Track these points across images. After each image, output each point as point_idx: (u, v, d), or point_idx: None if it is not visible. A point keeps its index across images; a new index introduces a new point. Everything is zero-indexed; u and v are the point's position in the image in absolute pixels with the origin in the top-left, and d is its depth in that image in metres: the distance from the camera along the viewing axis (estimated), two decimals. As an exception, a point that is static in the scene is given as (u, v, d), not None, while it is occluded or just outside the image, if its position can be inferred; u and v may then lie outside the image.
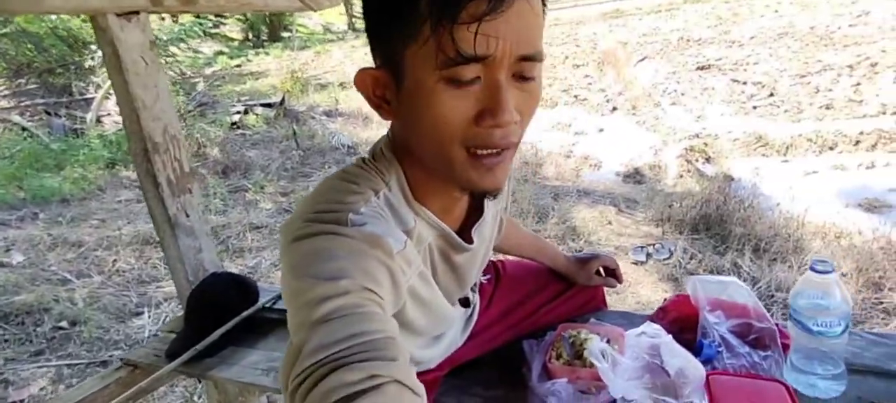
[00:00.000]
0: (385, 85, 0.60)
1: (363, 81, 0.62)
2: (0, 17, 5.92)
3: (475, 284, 1.06)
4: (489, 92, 0.54)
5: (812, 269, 0.88)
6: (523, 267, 1.22)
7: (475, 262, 0.84)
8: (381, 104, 0.62)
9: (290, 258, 0.57)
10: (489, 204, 0.82)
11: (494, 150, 0.57)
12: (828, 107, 5.38)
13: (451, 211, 0.74)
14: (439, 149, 0.58)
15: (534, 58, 0.55)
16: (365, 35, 0.63)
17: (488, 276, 1.16)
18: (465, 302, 0.99)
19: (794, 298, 0.92)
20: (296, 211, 0.63)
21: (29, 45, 6.88)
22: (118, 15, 1.38)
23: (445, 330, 0.92)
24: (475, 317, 1.06)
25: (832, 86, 5.79)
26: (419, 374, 0.92)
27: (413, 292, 0.70)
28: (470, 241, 0.77)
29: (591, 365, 0.93)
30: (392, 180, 0.67)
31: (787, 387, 0.89)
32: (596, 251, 1.24)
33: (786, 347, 0.98)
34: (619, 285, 1.27)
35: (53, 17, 6.54)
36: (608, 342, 1.00)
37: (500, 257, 1.21)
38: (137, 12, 1.43)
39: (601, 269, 1.24)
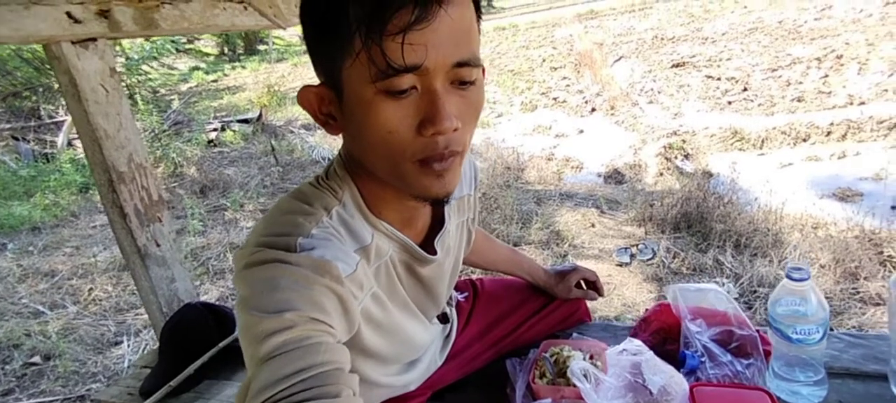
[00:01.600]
0: (329, 101, 0.60)
1: (307, 99, 0.62)
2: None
3: (451, 299, 1.05)
4: (427, 100, 0.55)
5: (788, 277, 0.88)
6: (502, 284, 1.20)
7: (443, 275, 0.83)
8: (327, 120, 0.62)
9: (240, 288, 0.56)
10: (451, 215, 0.81)
11: (439, 157, 0.57)
12: (799, 100, 5.50)
13: (411, 223, 0.73)
14: (389, 162, 0.59)
15: (469, 63, 0.55)
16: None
17: (466, 294, 1.14)
18: (442, 319, 0.97)
19: (772, 305, 0.92)
20: (250, 234, 0.62)
21: (-7, 70, 6.70)
22: (73, 42, 1.34)
23: (419, 355, 0.90)
24: (454, 336, 1.04)
25: (802, 79, 5.92)
26: (399, 400, 0.90)
27: (368, 315, 0.68)
28: (433, 253, 0.76)
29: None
30: (346, 196, 0.66)
31: (770, 395, 0.88)
32: (575, 264, 1.22)
33: (768, 353, 0.98)
34: (600, 297, 1.25)
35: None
36: (591, 358, 0.98)
37: (478, 274, 1.19)
38: (95, 39, 1.39)
39: (582, 282, 1.22)
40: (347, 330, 0.60)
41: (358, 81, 0.54)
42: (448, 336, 1.02)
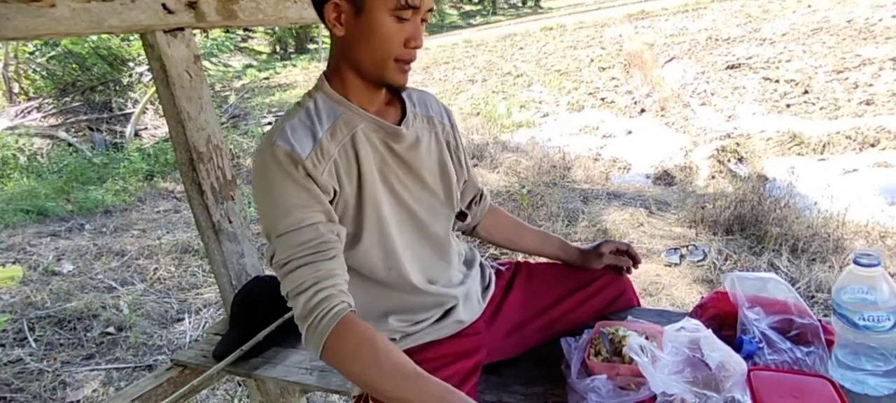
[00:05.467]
0: (346, 12, 0.85)
1: (329, 9, 0.85)
2: (61, 39, 6.23)
3: (484, 262, 1.15)
4: (414, 27, 0.86)
5: (856, 263, 0.87)
6: (545, 269, 1.25)
7: (419, 158, 0.99)
8: (335, 24, 0.86)
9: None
10: (416, 117, 1.01)
11: (410, 61, 0.89)
12: (868, 103, 5.21)
13: (371, 104, 0.94)
14: (381, 60, 0.87)
15: (432, 9, 0.88)
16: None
17: (506, 266, 1.22)
18: (468, 265, 1.11)
19: (837, 293, 0.91)
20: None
21: (74, 65, 7.23)
22: (165, 31, 1.46)
23: (431, 266, 1.02)
24: (492, 287, 1.13)
25: (873, 81, 5.60)
26: (459, 356, 1.00)
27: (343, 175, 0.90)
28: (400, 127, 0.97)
29: (631, 361, 0.94)
30: (318, 94, 0.93)
31: (833, 383, 0.87)
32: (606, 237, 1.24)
33: (830, 343, 0.96)
34: (636, 267, 1.25)
35: (94, 37, 6.87)
36: (647, 338, 1.00)
37: (520, 258, 1.25)
38: (182, 29, 1.51)
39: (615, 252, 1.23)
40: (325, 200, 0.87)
41: (379, 8, 0.82)
42: (487, 287, 1.13)
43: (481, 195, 1.19)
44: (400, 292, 0.98)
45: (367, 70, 0.89)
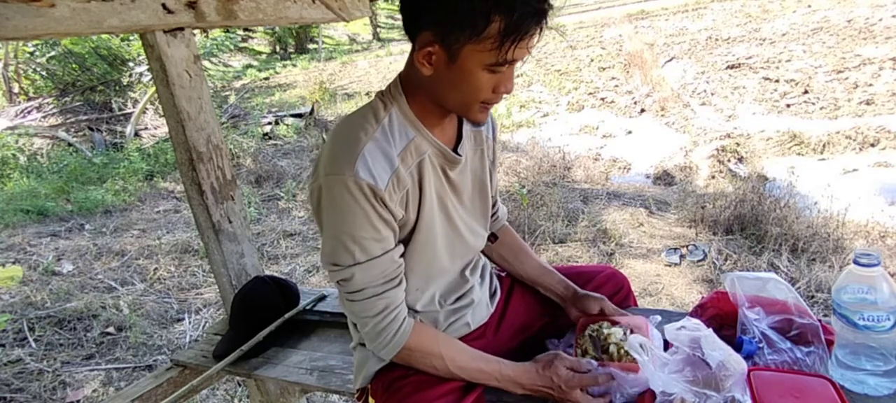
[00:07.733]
0: (438, 56, 0.83)
1: (424, 52, 0.83)
2: (61, 39, 6.23)
3: (492, 271, 1.18)
4: (507, 76, 0.85)
5: (856, 263, 0.87)
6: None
7: (466, 181, 1.03)
8: (423, 64, 0.84)
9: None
10: (467, 136, 1.03)
11: (494, 104, 0.90)
12: (868, 103, 5.21)
13: (443, 131, 0.97)
14: (466, 103, 0.87)
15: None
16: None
17: (505, 274, 1.23)
18: (482, 274, 1.13)
19: (837, 293, 0.91)
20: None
21: (74, 65, 7.23)
22: (165, 31, 1.46)
23: (462, 257, 1.05)
24: (499, 293, 1.15)
25: (873, 81, 5.59)
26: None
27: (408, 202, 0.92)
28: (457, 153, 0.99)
29: (620, 358, 0.95)
30: (394, 107, 0.91)
31: (832, 383, 0.87)
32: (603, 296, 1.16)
33: (830, 343, 0.96)
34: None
35: (94, 37, 6.87)
36: (631, 332, 0.99)
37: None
38: (182, 28, 1.51)
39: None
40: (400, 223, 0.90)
41: (474, 59, 0.81)
42: (494, 294, 1.16)
43: (495, 213, 1.19)
44: (414, 305, 1.01)
45: (449, 107, 0.90)
